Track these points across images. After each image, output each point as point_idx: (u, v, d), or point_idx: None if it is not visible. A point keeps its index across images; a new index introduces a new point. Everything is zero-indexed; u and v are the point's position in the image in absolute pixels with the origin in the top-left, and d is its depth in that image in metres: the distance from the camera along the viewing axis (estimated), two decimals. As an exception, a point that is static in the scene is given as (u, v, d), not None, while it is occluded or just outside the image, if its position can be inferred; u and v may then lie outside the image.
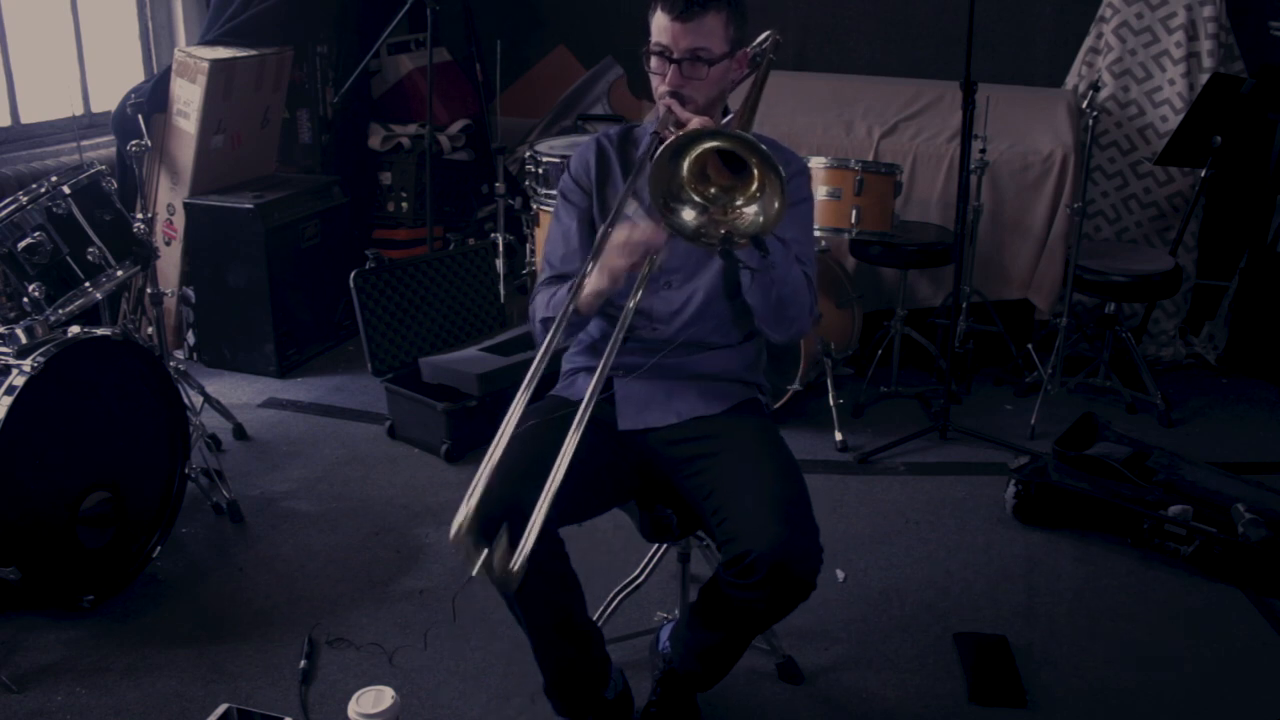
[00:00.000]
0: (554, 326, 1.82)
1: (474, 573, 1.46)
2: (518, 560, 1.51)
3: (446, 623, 2.58)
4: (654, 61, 1.97)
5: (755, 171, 1.71)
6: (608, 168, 2.14)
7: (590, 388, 1.73)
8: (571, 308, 1.86)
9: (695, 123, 1.88)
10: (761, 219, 1.71)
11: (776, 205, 1.69)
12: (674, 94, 1.95)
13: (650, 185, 1.73)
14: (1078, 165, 3.90)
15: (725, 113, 2.09)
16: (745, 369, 2.16)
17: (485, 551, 1.49)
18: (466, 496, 1.50)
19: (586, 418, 1.68)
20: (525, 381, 1.69)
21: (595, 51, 5.27)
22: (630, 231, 1.84)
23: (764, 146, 1.68)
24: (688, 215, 1.75)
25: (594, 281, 1.88)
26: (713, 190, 1.75)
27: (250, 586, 2.73)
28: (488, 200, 5.20)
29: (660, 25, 1.94)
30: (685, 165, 1.73)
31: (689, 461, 2.02)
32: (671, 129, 1.94)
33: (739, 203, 1.73)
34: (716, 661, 2.10)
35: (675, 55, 1.93)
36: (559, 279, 2.11)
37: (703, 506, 1.96)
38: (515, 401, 1.66)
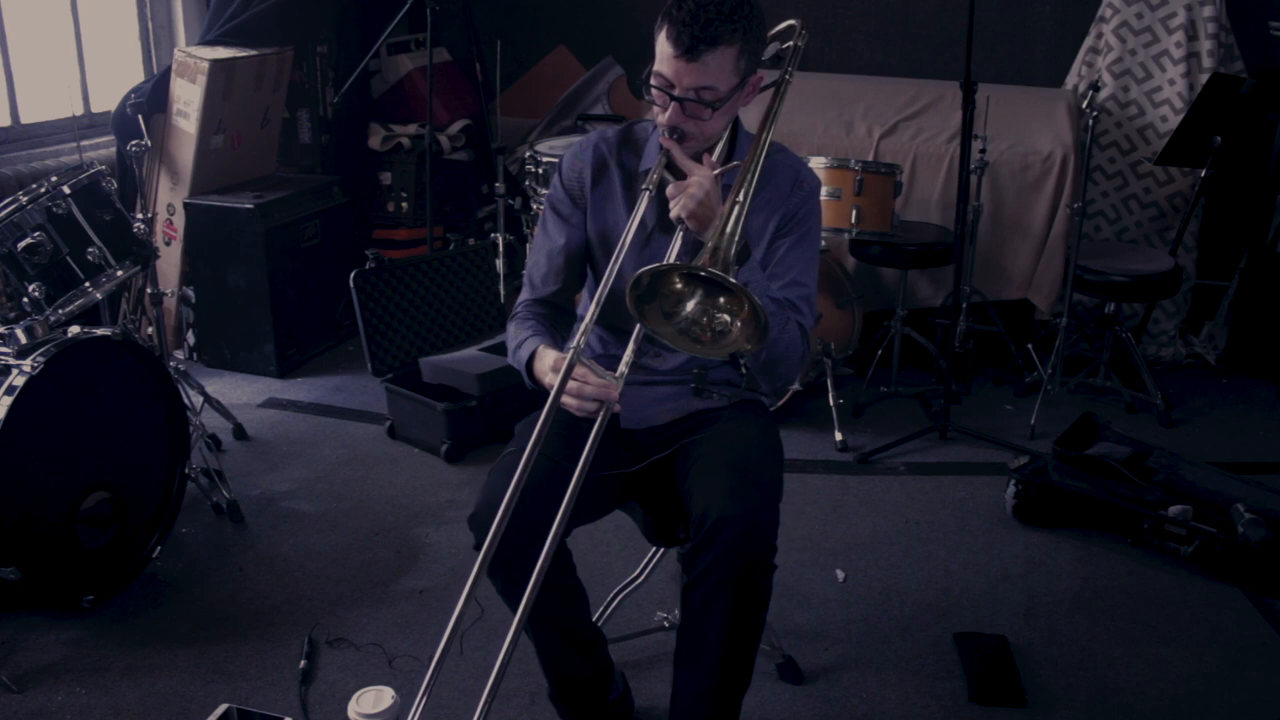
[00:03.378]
0: (540, 423, 1.73)
1: None
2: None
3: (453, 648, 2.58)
4: (655, 92, 1.82)
5: (733, 291, 1.66)
6: (606, 180, 2.01)
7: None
8: (547, 412, 1.75)
9: (694, 177, 1.78)
10: (733, 341, 1.68)
11: (753, 332, 1.65)
12: (673, 131, 1.82)
13: (650, 323, 1.68)
14: (1078, 165, 3.90)
15: (735, 126, 1.96)
16: (742, 380, 2.13)
17: None
18: None
19: (593, 454, 1.67)
20: (535, 434, 1.67)
21: (595, 51, 5.27)
22: (583, 385, 1.74)
23: (734, 281, 1.60)
24: (681, 316, 1.70)
25: (546, 386, 1.82)
26: (700, 291, 1.70)
27: (250, 586, 2.73)
28: (488, 200, 5.20)
29: (664, 54, 1.78)
30: (672, 282, 1.69)
31: (683, 450, 2.01)
32: (668, 175, 1.85)
33: (723, 301, 1.68)
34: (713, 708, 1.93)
35: (676, 93, 1.79)
36: (537, 304, 2.06)
37: (684, 491, 1.95)
38: (526, 453, 1.65)
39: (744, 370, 2.02)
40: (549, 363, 1.87)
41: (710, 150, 1.90)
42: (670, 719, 1.98)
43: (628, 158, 2.02)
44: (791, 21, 2.03)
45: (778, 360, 1.88)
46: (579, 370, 1.75)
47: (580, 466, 1.67)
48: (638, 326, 1.75)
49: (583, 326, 1.78)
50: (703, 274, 1.64)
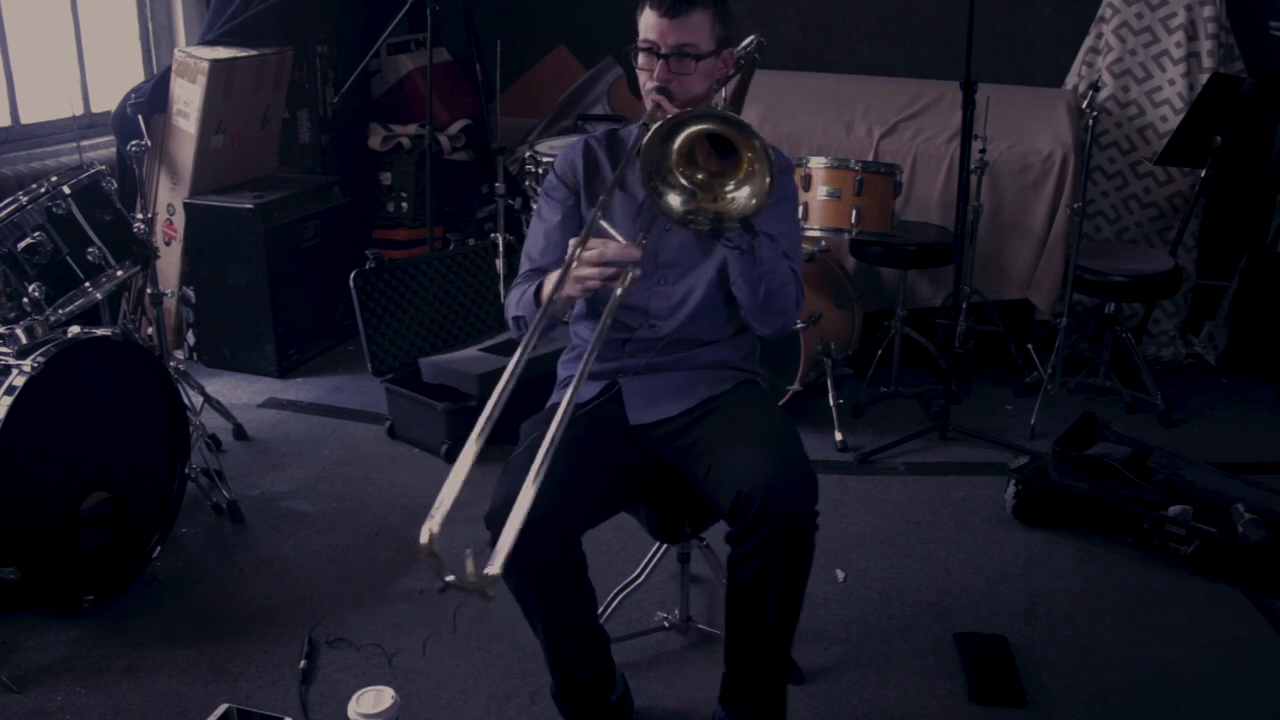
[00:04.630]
0: (531, 328, 1.73)
1: (442, 587, 1.44)
2: (494, 564, 1.49)
3: (446, 628, 2.58)
4: (642, 58, 2.00)
5: (744, 154, 1.72)
6: (596, 165, 2.15)
7: (573, 383, 1.69)
8: (543, 312, 1.79)
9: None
10: (753, 201, 1.73)
11: (767, 183, 1.70)
12: (661, 90, 1.97)
13: (640, 167, 1.75)
14: (1078, 165, 3.90)
15: None
16: (742, 359, 2.19)
17: (471, 557, 1.45)
18: (432, 510, 1.43)
19: (570, 410, 1.65)
20: (501, 384, 1.62)
21: (595, 51, 5.27)
22: (603, 248, 1.81)
23: (751, 126, 1.69)
24: (675, 200, 1.76)
25: (566, 290, 1.84)
26: (700, 175, 1.77)
27: (250, 586, 2.73)
28: (488, 200, 5.20)
29: (648, 22, 1.97)
30: (675, 148, 1.75)
31: (694, 446, 2.04)
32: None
33: (728, 187, 1.75)
34: (763, 684, 2.07)
35: (663, 51, 1.96)
36: (537, 272, 2.12)
37: (706, 484, 1.98)
38: (493, 399, 1.62)
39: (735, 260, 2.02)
40: (567, 277, 1.91)
41: None
42: (726, 679, 2.09)
43: (615, 151, 2.16)
44: (751, 37, 2.24)
45: (774, 295, 1.96)
46: (594, 241, 1.82)
47: (575, 380, 1.68)
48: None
49: (597, 210, 1.84)
50: (720, 117, 1.71)
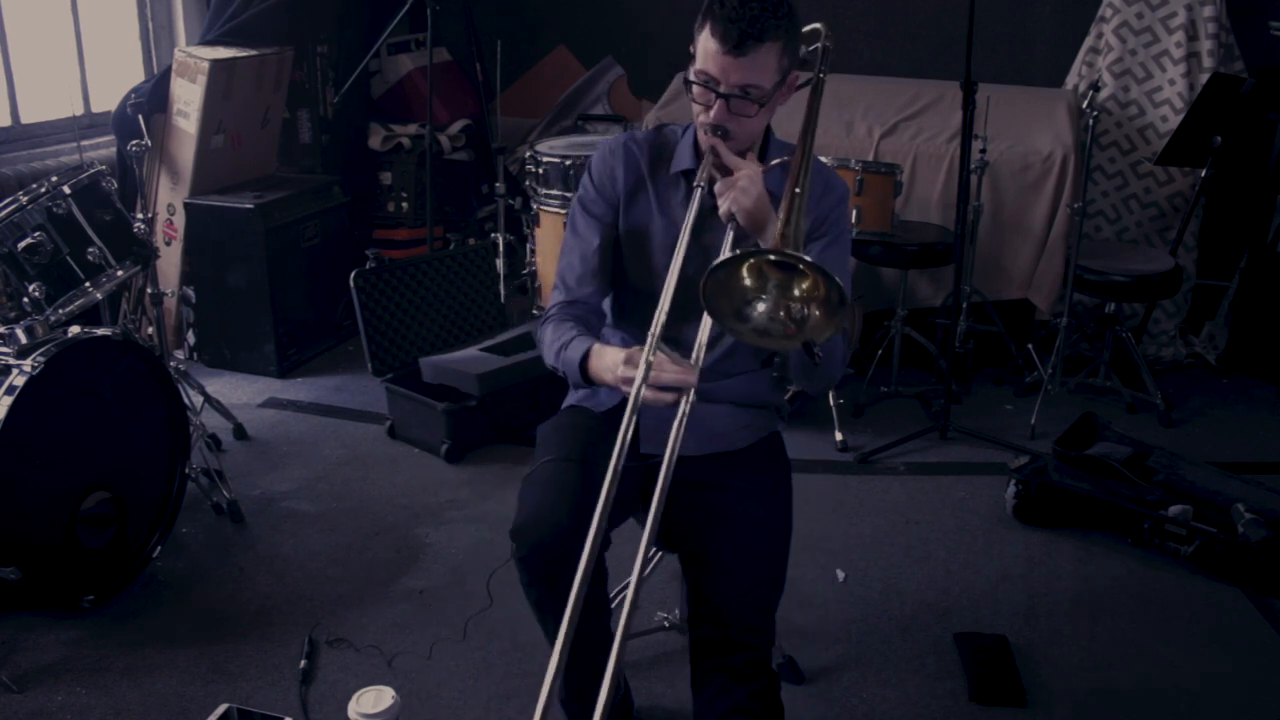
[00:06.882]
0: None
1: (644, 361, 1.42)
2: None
3: (450, 628, 2.58)
4: (697, 90, 1.80)
5: (810, 275, 1.60)
6: (638, 181, 1.98)
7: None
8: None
9: (742, 172, 1.75)
10: (819, 324, 1.61)
11: (830, 314, 1.59)
12: (717, 128, 1.79)
13: (714, 309, 1.61)
14: (1078, 165, 3.90)
15: (768, 136, 1.97)
16: (769, 391, 2.09)
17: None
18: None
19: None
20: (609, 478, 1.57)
21: (595, 51, 5.28)
22: (659, 374, 1.66)
23: (810, 258, 1.54)
24: (759, 312, 1.63)
25: (611, 384, 1.74)
26: (771, 284, 1.62)
27: (250, 586, 2.73)
28: (488, 200, 5.21)
29: (709, 51, 1.76)
30: (742, 276, 1.61)
31: (696, 490, 1.95)
32: (715, 173, 1.81)
33: (797, 294, 1.61)
34: None
35: (723, 89, 1.77)
36: (572, 306, 1.98)
37: (684, 553, 1.94)
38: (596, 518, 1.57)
39: (778, 370, 1.96)
40: (609, 360, 1.79)
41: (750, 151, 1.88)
42: None
43: (660, 160, 1.99)
44: (816, 25, 2.02)
45: (822, 359, 1.85)
46: (653, 359, 1.69)
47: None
48: (706, 319, 1.69)
49: (655, 328, 1.71)
50: (774, 257, 1.58)
